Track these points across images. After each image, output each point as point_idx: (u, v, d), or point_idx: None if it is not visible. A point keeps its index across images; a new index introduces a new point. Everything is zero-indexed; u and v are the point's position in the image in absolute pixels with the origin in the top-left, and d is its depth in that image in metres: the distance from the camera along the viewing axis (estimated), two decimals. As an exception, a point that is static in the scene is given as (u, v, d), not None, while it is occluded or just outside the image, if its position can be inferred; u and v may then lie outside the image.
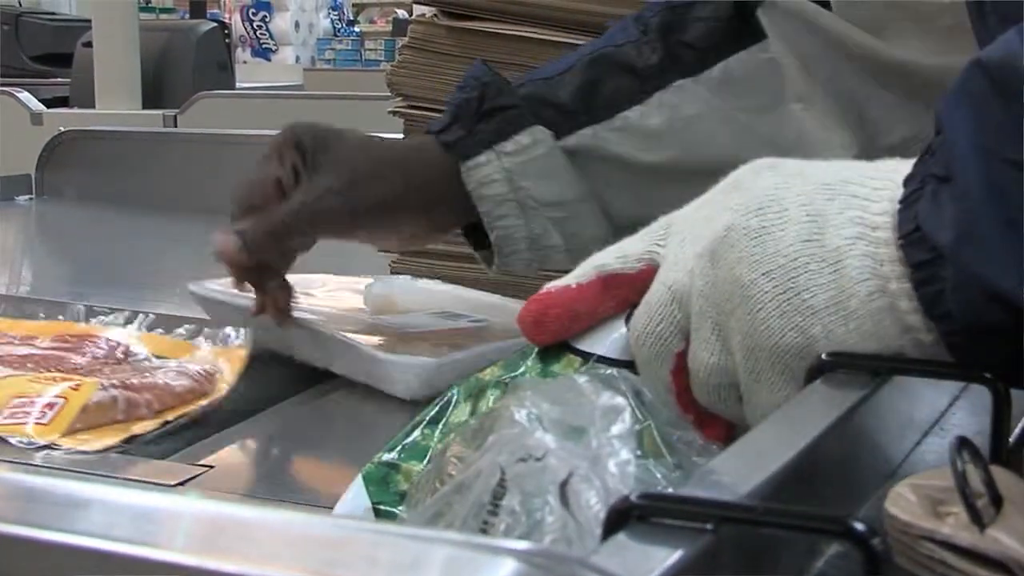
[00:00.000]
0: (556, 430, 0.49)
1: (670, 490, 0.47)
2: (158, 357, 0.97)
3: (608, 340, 0.61)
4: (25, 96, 3.48)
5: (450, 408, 0.61)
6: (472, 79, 0.95)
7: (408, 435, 0.60)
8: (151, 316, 1.04)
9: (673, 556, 0.36)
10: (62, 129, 1.91)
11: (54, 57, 4.84)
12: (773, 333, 0.54)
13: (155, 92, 3.88)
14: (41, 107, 3.47)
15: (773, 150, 0.88)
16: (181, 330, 1.01)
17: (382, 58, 7.44)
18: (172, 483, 0.75)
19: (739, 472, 0.43)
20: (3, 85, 3.61)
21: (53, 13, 6.02)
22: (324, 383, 0.94)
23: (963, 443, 0.44)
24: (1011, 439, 0.53)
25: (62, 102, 4.01)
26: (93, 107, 3.70)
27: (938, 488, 0.44)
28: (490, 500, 0.46)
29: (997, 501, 0.43)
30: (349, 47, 8.14)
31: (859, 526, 0.38)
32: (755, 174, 0.59)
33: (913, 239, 0.52)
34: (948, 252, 0.51)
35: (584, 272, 0.62)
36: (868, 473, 0.55)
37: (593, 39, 0.99)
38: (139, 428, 0.82)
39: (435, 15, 1.20)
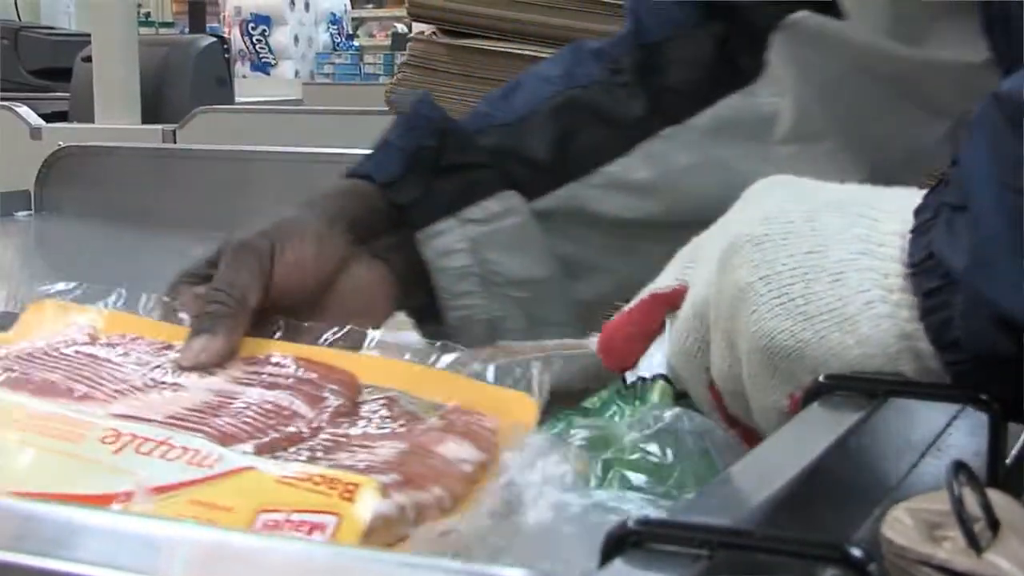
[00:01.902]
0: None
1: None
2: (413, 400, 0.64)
3: (654, 360, 0.63)
4: (24, 111, 3.47)
5: None
6: (424, 119, 0.81)
7: None
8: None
9: (670, 582, 0.36)
10: (61, 144, 1.90)
11: (53, 71, 4.84)
12: (765, 335, 0.55)
13: (154, 107, 3.87)
14: (40, 122, 3.46)
15: None
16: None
17: (381, 72, 7.44)
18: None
19: (736, 496, 0.43)
20: (2, 99, 3.60)
21: (52, 27, 6.01)
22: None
23: (959, 466, 0.44)
24: (1008, 461, 0.53)
25: (61, 116, 4.00)
26: (92, 122, 3.69)
27: (935, 512, 0.44)
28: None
29: (994, 525, 0.43)
30: (348, 61, 8.13)
31: (855, 551, 0.38)
32: (767, 189, 0.60)
33: (926, 267, 0.53)
34: (962, 278, 0.52)
35: (639, 296, 0.65)
36: (865, 495, 0.55)
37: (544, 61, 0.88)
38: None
39: (434, 32, 1.21)
